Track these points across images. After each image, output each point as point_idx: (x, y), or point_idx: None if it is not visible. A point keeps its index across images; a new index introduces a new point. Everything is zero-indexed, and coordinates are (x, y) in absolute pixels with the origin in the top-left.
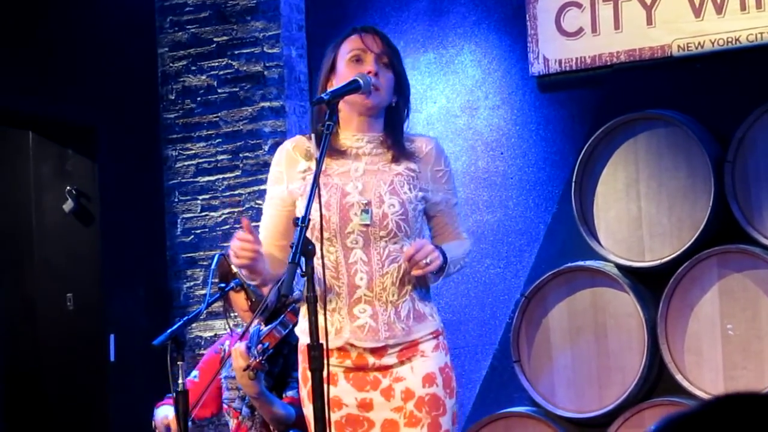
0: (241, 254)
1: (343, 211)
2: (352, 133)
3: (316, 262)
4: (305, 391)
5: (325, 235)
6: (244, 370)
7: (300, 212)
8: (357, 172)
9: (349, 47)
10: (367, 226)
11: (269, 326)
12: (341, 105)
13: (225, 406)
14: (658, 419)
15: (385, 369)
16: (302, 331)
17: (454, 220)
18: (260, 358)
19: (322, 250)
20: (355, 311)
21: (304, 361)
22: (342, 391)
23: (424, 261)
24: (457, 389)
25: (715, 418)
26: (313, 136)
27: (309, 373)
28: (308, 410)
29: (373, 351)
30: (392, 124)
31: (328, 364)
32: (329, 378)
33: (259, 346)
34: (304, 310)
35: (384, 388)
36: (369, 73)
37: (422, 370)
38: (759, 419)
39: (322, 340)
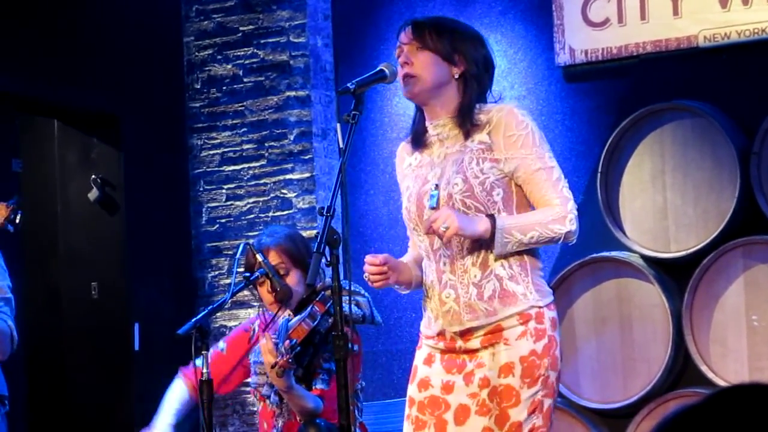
0: (372, 279)
1: (419, 199)
2: (430, 122)
3: (418, 242)
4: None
5: (411, 225)
6: (272, 368)
7: (406, 203)
8: (439, 158)
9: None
10: (435, 209)
11: (297, 317)
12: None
13: (252, 389)
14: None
15: (471, 352)
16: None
17: (539, 187)
18: (288, 356)
19: (342, 241)
20: (443, 297)
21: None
22: (433, 372)
23: (440, 228)
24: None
25: (722, 409)
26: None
27: (417, 352)
28: (410, 389)
29: (461, 334)
30: (465, 99)
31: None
32: (428, 359)
33: (287, 342)
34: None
35: (467, 372)
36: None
37: (502, 359)
38: (761, 409)
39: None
